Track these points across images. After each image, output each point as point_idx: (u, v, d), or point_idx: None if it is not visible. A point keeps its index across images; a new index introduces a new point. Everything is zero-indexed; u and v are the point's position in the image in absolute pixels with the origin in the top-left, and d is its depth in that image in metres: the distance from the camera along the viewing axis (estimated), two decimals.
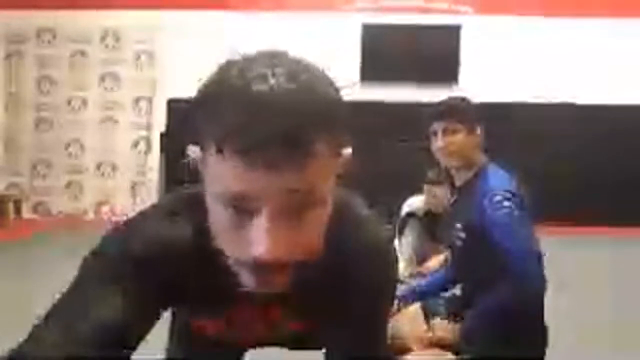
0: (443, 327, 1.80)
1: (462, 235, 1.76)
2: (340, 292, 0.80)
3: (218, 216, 0.65)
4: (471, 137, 1.76)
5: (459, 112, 1.82)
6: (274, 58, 0.73)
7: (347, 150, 0.71)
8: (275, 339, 0.97)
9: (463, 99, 1.93)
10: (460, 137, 1.75)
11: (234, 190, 0.61)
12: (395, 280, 0.89)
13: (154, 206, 0.88)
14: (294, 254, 0.64)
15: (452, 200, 1.92)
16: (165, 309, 0.84)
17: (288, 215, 0.62)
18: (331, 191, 0.67)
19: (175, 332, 1.17)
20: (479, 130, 1.79)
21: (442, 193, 3.28)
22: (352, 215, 0.82)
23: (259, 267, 0.63)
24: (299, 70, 0.68)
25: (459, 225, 1.78)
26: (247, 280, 0.67)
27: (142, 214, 0.88)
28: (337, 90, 0.74)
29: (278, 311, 0.85)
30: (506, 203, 1.66)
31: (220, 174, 0.62)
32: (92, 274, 0.81)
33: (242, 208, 0.62)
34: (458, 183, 1.83)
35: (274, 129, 0.59)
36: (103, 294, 0.75)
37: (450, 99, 1.95)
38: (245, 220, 0.63)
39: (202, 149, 0.65)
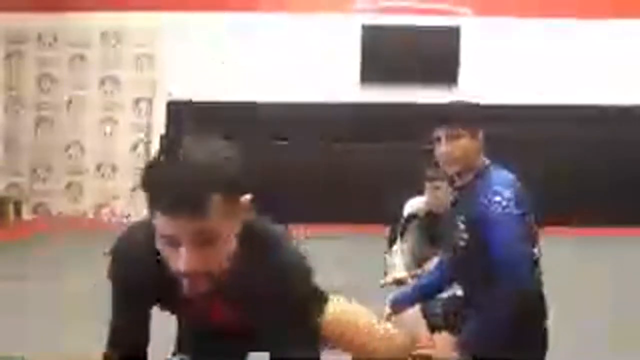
0: (442, 341, 1.76)
1: (465, 235, 1.77)
2: (253, 297, 1.11)
3: (160, 245, 1.03)
4: (474, 142, 1.78)
5: (462, 117, 1.82)
6: (185, 145, 1.08)
7: (245, 197, 1.04)
8: (228, 330, 1.28)
9: (466, 103, 1.96)
10: (464, 142, 1.76)
11: (164, 233, 1.00)
12: (302, 291, 1.16)
13: (142, 222, 1.20)
14: (204, 269, 1.00)
15: (452, 201, 1.92)
16: (149, 306, 1.23)
17: (199, 246, 0.98)
18: (233, 227, 1.04)
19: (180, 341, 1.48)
20: (480, 134, 1.80)
21: (444, 188, 3.14)
22: (259, 239, 1.13)
23: (185, 276, 1.01)
24: (196, 150, 1.03)
25: (461, 226, 1.78)
26: (184, 284, 1.03)
27: (131, 227, 1.22)
28: (226, 158, 1.03)
29: (219, 306, 1.19)
30: (504, 203, 1.67)
31: (158, 223, 1.01)
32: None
33: (171, 242, 1.00)
34: (458, 184, 1.84)
35: (179, 196, 0.97)
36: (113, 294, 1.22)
37: (453, 103, 1.97)
38: (174, 248, 1.00)
39: (150, 209, 1.04)
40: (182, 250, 0.98)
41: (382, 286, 3.32)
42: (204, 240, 0.98)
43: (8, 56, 6.78)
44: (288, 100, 6.54)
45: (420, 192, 3.47)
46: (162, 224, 1.00)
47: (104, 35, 6.74)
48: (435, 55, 6.54)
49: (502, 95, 6.51)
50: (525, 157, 6.45)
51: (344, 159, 6.53)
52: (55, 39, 6.76)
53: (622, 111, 6.53)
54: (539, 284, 1.62)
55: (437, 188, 3.28)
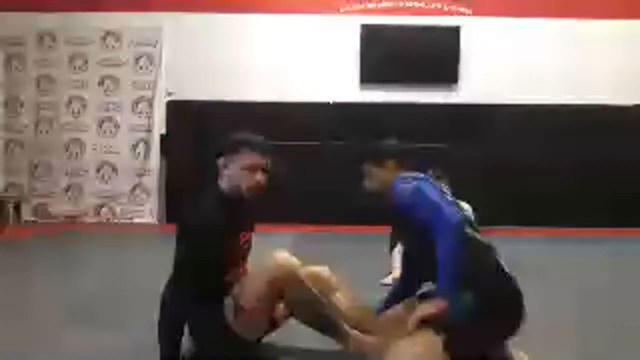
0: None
1: (405, 235, 2.18)
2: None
3: (241, 173, 2.12)
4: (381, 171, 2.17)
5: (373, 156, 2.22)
6: None
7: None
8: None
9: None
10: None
11: (248, 163, 2.11)
12: None
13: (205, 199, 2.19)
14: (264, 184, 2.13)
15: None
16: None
17: (263, 171, 2.15)
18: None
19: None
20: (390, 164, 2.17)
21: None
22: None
23: (258, 187, 2.12)
24: None
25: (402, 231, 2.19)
26: (256, 185, 2.12)
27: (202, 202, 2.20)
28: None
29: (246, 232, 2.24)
30: (407, 186, 2.00)
31: (243, 158, 2.12)
32: None
33: (252, 168, 2.11)
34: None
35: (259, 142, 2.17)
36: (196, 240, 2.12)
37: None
38: (252, 173, 2.12)
39: (236, 151, 2.14)
40: (258, 174, 2.11)
41: (382, 285, 3.33)
42: (264, 170, 2.14)
43: (8, 56, 6.78)
44: (288, 100, 6.55)
45: None
46: (247, 159, 2.11)
47: (104, 35, 6.74)
48: (435, 55, 6.55)
49: (502, 95, 6.52)
50: (525, 156, 6.47)
51: (344, 159, 6.52)
52: (55, 39, 6.76)
53: (622, 110, 6.53)
54: (460, 215, 1.90)
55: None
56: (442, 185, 2.16)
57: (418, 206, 1.92)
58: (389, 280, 3.42)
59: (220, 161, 2.14)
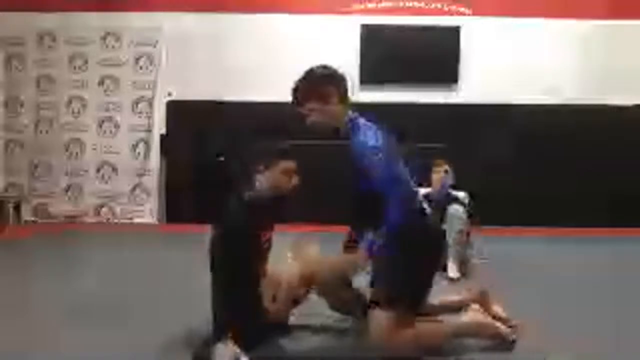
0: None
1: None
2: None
3: (279, 177, 2.60)
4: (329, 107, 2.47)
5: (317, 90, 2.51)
6: None
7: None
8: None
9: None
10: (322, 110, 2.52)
11: (286, 168, 2.63)
12: None
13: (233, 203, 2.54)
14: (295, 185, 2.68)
15: None
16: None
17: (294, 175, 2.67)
18: None
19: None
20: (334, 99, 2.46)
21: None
22: None
23: (293, 189, 2.69)
24: None
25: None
26: (291, 188, 2.65)
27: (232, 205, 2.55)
28: None
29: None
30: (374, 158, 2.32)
31: (282, 164, 2.62)
32: None
33: (287, 172, 2.62)
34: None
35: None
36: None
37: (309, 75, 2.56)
38: (288, 177, 2.63)
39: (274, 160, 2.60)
40: (295, 177, 2.59)
41: None
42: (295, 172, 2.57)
43: (8, 56, 6.78)
44: (288, 100, 6.53)
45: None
46: (285, 164, 2.56)
47: (104, 35, 6.74)
48: (435, 55, 6.54)
49: (502, 95, 6.51)
50: (525, 156, 6.47)
51: (343, 159, 6.52)
52: (55, 39, 6.76)
53: (622, 110, 6.53)
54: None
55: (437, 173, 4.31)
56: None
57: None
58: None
59: (260, 167, 2.54)
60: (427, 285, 2.40)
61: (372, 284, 2.46)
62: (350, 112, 2.49)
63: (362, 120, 2.46)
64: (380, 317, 2.25)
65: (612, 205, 6.34)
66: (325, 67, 2.50)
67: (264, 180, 2.56)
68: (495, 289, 2.74)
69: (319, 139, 2.83)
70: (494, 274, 3.08)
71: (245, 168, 2.58)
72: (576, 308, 3.17)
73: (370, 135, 2.35)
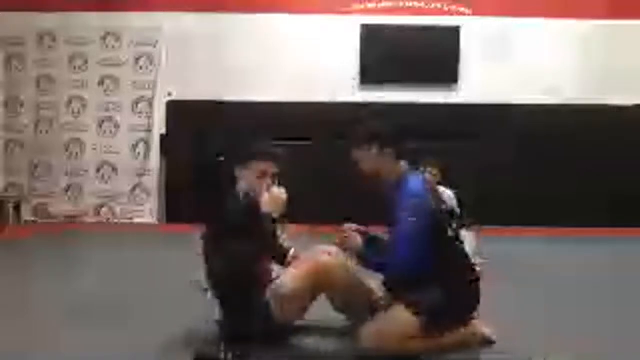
0: None
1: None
2: None
3: (255, 181, 2.42)
4: (380, 156, 2.42)
5: (366, 138, 2.46)
6: None
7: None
8: None
9: (375, 125, 2.54)
10: (369, 156, 2.44)
11: (262, 170, 2.43)
12: None
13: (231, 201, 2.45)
14: None
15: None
16: None
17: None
18: None
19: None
20: (387, 150, 2.42)
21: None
22: None
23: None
24: None
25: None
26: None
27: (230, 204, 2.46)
28: None
29: None
30: (409, 219, 2.25)
31: (259, 168, 2.43)
32: None
33: (263, 176, 2.43)
34: (384, 185, 2.48)
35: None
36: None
37: (365, 124, 2.55)
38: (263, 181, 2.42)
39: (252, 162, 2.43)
40: (267, 180, 2.41)
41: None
42: (274, 176, 2.43)
43: (8, 56, 6.78)
44: (288, 100, 6.55)
45: None
46: (260, 165, 2.41)
47: (104, 35, 6.74)
48: (435, 55, 6.55)
49: (502, 95, 6.51)
50: (525, 156, 6.47)
51: (343, 159, 6.52)
52: (55, 39, 6.76)
53: (622, 110, 6.53)
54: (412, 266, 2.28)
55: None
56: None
57: (404, 240, 2.28)
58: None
59: (237, 170, 2.46)
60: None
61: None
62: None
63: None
64: (405, 320, 2.27)
65: (612, 205, 6.34)
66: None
67: (242, 183, 2.47)
68: (495, 289, 2.74)
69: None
70: (494, 274, 3.08)
71: (230, 169, 2.50)
72: (576, 308, 3.16)
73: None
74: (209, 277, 2.46)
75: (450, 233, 2.38)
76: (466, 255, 2.46)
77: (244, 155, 2.45)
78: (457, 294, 2.34)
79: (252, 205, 2.39)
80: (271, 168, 2.43)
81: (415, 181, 2.39)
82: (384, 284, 2.53)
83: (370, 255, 2.37)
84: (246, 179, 2.44)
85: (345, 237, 2.42)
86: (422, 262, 2.26)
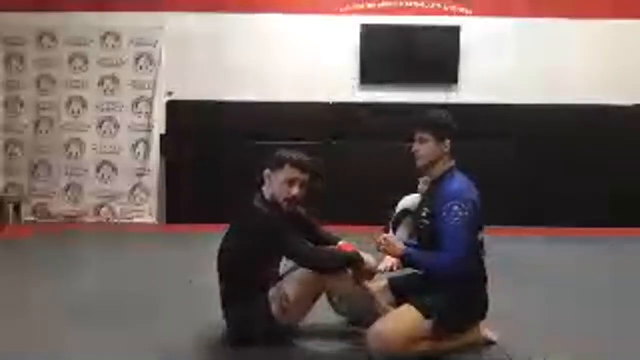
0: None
1: (426, 222, 2.41)
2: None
3: (282, 186, 2.45)
4: (439, 146, 2.45)
5: (430, 125, 2.46)
6: None
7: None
8: None
9: (441, 114, 2.56)
10: (429, 145, 2.44)
11: (290, 177, 2.44)
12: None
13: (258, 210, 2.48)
14: (299, 197, 2.49)
15: (424, 191, 2.67)
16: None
17: (300, 186, 2.47)
18: None
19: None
20: (447, 142, 2.47)
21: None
22: None
23: (293, 199, 2.46)
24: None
25: (424, 213, 2.44)
26: (289, 202, 2.47)
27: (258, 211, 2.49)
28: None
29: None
30: (460, 213, 2.27)
31: (286, 172, 2.45)
32: None
33: (291, 183, 2.44)
34: (431, 178, 2.52)
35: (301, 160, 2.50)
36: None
37: (429, 112, 2.57)
38: (290, 187, 2.45)
39: (279, 166, 2.48)
40: (295, 188, 2.44)
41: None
42: (302, 184, 2.46)
43: (8, 56, 6.78)
44: (288, 100, 6.54)
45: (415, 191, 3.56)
46: (289, 172, 2.44)
47: (104, 35, 6.74)
48: (435, 55, 6.54)
49: (502, 95, 6.51)
50: (525, 156, 6.47)
51: (343, 159, 6.53)
52: (55, 39, 6.76)
53: (622, 110, 6.53)
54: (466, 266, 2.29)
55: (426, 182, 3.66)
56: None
57: (452, 240, 2.28)
58: (382, 266, 3.45)
59: (266, 173, 2.51)
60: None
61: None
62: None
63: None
64: (413, 321, 2.28)
65: (612, 205, 6.34)
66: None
67: (268, 187, 2.51)
68: (495, 289, 2.73)
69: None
70: (494, 274, 3.08)
71: (259, 172, 2.54)
72: (576, 308, 3.17)
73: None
74: (218, 270, 2.50)
75: (480, 236, 2.40)
76: (482, 258, 2.46)
77: (276, 160, 2.48)
78: (474, 297, 2.38)
79: (276, 208, 2.46)
80: (300, 177, 2.46)
81: (465, 178, 2.44)
82: (392, 288, 2.59)
83: (421, 255, 2.38)
84: (274, 183, 2.47)
85: (387, 244, 2.44)
86: (471, 260, 2.30)
